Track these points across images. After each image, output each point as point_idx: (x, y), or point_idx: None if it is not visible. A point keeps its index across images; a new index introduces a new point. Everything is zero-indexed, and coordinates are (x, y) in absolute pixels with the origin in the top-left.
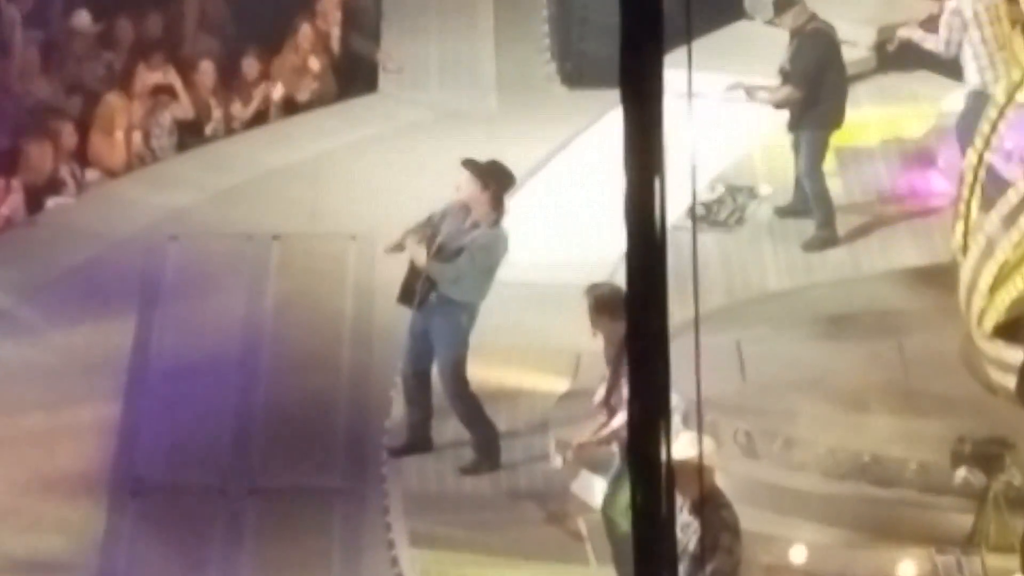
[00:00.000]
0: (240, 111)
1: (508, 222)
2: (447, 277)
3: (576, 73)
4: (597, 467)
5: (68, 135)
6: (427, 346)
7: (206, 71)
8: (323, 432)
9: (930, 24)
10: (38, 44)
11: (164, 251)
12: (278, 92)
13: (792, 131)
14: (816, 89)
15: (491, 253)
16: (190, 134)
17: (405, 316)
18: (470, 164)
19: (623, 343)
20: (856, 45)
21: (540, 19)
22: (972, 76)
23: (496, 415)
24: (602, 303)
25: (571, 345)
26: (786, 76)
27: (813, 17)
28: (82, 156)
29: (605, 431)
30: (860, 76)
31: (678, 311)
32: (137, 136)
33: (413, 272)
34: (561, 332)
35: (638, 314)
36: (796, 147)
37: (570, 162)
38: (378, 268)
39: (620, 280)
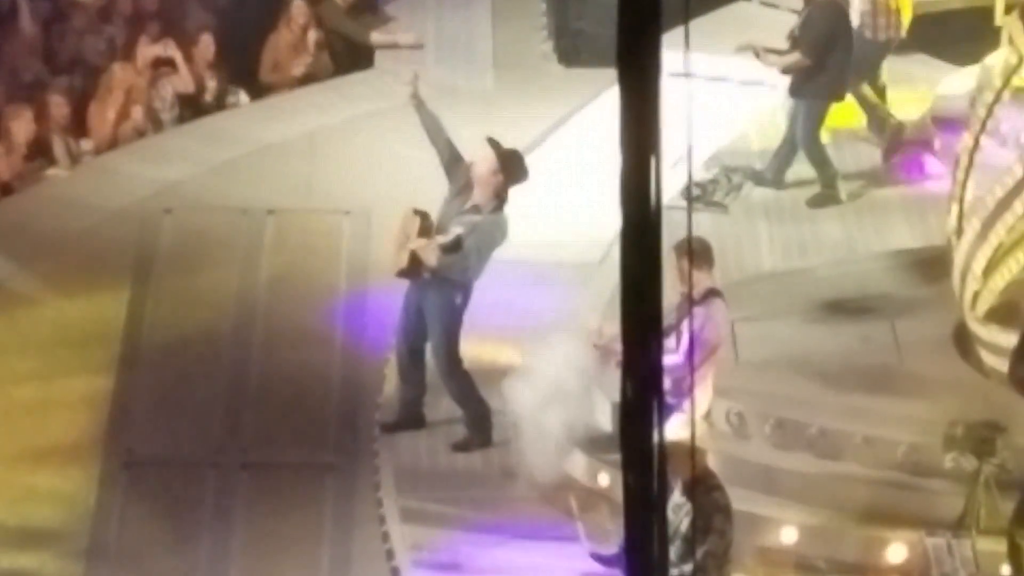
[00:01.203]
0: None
1: (508, 208)
2: (456, 268)
3: (573, 51)
4: (591, 447)
5: (62, 106)
6: (421, 323)
7: (206, 44)
8: (315, 407)
9: None
10: (41, 17)
11: (159, 224)
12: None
13: (793, 96)
14: (823, 59)
15: (492, 239)
16: (190, 108)
17: (399, 292)
18: (495, 144)
19: (689, 294)
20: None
21: None
22: (854, 17)
23: (489, 393)
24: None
25: (564, 323)
26: (795, 42)
27: None
28: (79, 128)
29: None
30: None
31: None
32: (139, 110)
33: (417, 257)
34: (555, 310)
35: (632, 294)
36: (793, 116)
37: (566, 141)
38: (373, 244)
39: (614, 259)
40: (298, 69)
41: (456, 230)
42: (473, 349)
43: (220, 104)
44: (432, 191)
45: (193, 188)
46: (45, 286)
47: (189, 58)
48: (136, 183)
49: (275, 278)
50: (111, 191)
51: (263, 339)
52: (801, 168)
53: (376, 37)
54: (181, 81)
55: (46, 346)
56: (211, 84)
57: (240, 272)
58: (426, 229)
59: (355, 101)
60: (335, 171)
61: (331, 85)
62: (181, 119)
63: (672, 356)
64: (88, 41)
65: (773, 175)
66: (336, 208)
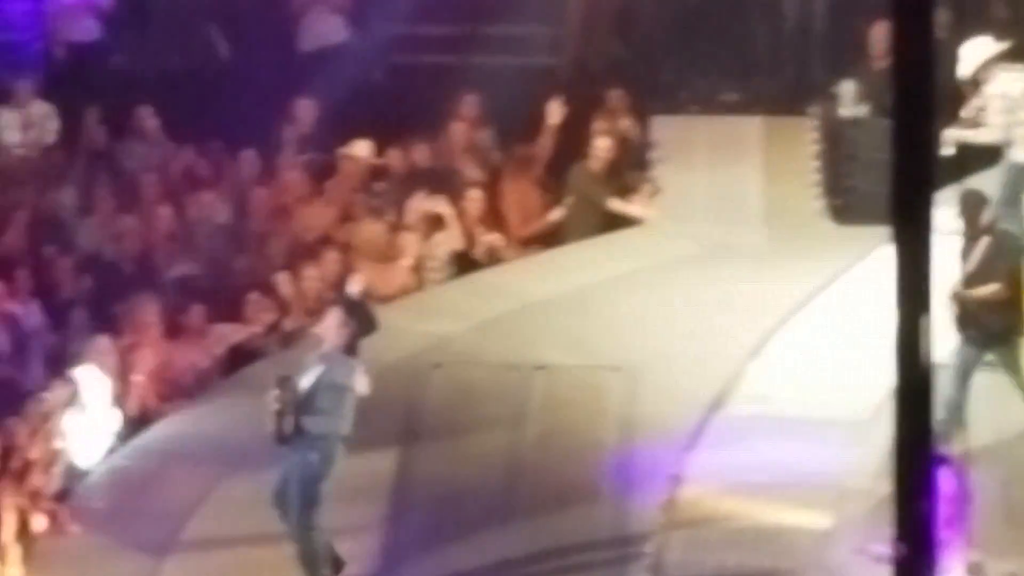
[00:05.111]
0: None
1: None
2: (311, 425)
3: (845, 209)
4: None
5: (335, 262)
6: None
7: (473, 199)
8: (584, 565)
9: (971, 118)
10: (313, 169)
11: (428, 379)
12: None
13: None
14: None
15: (337, 389)
16: (462, 265)
17: (668, 448)
18: (344, 297)
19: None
20: None
21: (810, 155)
22: (1020, 153)
23: (756, 552)
24: None
25: (832, 481)
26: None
27: None
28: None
29: None
30: None
31: None
32: (411, 266)
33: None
34: (821, 467)
35: (905, 453)
36: None
37: (837, 297)
38: (641, 401)
39: (885, 418)
40: (554, 214)
41: (305, 385)
42: (738, 507)
43: (490, 259)
44: (702, 348)
45: (463, 343)
46: None
47: (460, 214)
48: (407, 337)
49: (543, 434)
50: (383, 345)
51: (530, 495)
52: None
53: (614, 204)
54: (452, 238)
55: None
56: (481, 239)
57: (508, 427)
58: (284, 397)
59: (625, 257)
60: (604, 327)
61: (600, 241)
62: (454, 274)
63: None
64: (359, 197)
65: None
66: (605, 364)
